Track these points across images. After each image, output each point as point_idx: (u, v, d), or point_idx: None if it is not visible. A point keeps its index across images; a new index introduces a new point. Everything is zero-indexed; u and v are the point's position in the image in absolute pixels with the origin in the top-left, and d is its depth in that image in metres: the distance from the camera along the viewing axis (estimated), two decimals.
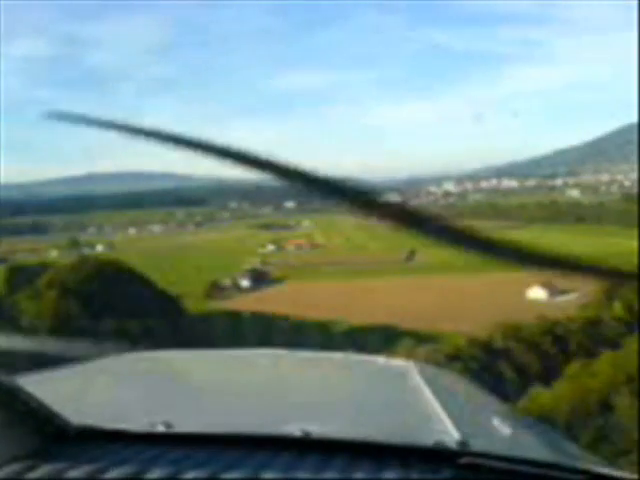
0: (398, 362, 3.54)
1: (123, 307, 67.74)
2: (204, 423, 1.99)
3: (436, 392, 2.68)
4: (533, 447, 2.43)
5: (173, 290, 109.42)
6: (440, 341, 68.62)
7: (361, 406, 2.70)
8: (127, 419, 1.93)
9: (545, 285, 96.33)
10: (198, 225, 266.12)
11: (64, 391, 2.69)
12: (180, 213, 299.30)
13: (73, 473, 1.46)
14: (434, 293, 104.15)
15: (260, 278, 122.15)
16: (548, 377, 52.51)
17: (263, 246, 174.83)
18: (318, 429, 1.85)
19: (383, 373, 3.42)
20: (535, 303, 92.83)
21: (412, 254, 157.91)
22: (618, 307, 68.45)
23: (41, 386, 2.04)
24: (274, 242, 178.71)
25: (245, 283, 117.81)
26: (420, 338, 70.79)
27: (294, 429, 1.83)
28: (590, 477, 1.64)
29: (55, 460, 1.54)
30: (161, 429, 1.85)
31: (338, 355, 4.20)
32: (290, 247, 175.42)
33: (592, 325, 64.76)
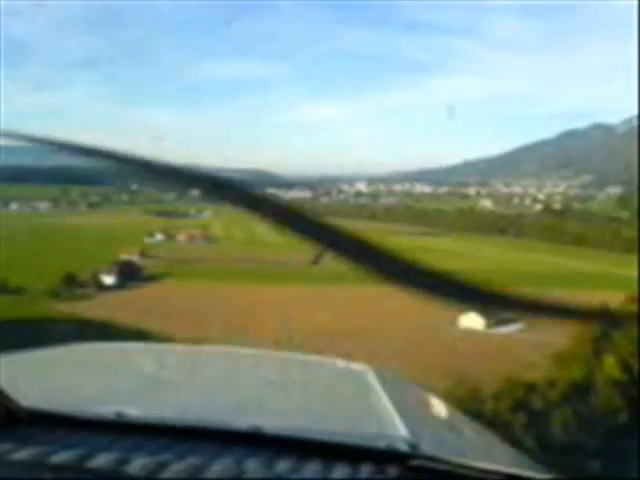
0: (355, 365, 3.35)
1: None
2: (156, 414, 1.96)
3: (391, 396, 2.63)
4: (482, 454, 2.43)
5: (14, 283, 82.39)
6: None
7: (314, 406, 2.67)
8: (79, 406, 1.89)
9: (482, 311, 73.56)
10: (92, 206, 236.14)
11: (16, 375, 2.55)
12: (75, 192, 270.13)
13: (19, 455, 1.42)
14: (342, 310, 79.75)
15: (130, 274, 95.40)
16: None
17: (151, 234, 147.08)
18: (269, 426, 1.82)
19: (339, 375, 3.32)
20: (470, 333, 69.83)
21: (319, 256, 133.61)
22: (611, 363, 45.10)
23: None
24: (164, 231, 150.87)
25: (109, 280, 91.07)
26: None
27: (245, 424, 1.81)
28: None
29: (1, 441, 1.50)
30: (112, 417, 1.82)
31: (296, 355, 4.14)
32: (181, 238, 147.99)
33: (579, 392, 41.23)
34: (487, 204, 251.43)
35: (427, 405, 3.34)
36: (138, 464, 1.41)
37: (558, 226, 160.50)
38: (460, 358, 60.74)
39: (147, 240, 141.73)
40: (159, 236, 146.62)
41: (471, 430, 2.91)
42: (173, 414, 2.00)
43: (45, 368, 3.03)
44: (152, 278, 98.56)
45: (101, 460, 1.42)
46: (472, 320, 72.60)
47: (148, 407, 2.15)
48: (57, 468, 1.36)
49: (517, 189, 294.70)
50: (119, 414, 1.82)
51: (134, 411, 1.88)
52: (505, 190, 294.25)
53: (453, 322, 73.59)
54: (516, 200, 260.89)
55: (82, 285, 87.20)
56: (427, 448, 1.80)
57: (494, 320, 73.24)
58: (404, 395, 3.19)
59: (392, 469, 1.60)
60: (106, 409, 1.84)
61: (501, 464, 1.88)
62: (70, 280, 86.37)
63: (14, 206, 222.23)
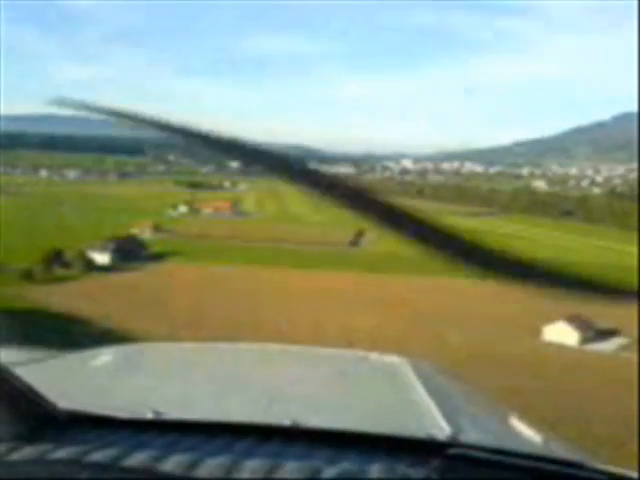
0: (390, 357, 3.39)
1: None
2: (193, 413, 1.98)
3: (428, 387, 2.69)
4: (522, 441, 2.45)
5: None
6: None
7: (352, 400, 2.68)
8: (117, 407, 1.89)
9: (575, 321, 53.34)
10: (123, 175, 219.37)
11: (54, 378, 2.66)
12: (110, 161, 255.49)
13: (56, 454, 1.44)
14: (389, 307, 60.41)
15: (130, 252, 77.37)
16: None
17: (173, 207, 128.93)
18: (307, 420, 1.84)
19: (375, 368, 3.31)
20: (558, 351, 49.96)
21: (359, 236, 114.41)
22: None
23: (32, 371, 2.10)
24: (188, 203, 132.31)
25: (102, 258, 72.99)
26: None
27: (282, 419, 1.83)
28: (578, 468, 1.62)
29: (39, 442, 1.52)
30: (149, 416, 1.84)
31: (331, 350, 4.18)
32: (207, 211, 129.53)
33: None
34: (541, 185, 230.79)
35: (464, 395, 3.29)
36: (173, 461, 1.43)
37: (628, 212, 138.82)
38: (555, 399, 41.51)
39: (169, 213, 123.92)
40: (182, 208, 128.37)
41: (510, 419, 2.81)
42: (209, 412, 2.03)
43: (82, 370, 3.02)
44: (156, 257, 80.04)
45: (137, 458, 1.44)
46: (561, 332, 52.70)
47: (185, 406, 2.19)
48: (94, 466, 1.39)
49: (573, 171, 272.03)
50: (156, 413, 1.84)
51: (171, 410, 1.89)
52: (560, 171, 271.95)
53: (535, 331, 53.83)
54: (572, 182, 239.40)
55: (68, 264, 69.30)
56: (466, 437, 1.80)
57: (591, 332, 53.39)
58: (440, 385, 3.15)
59: (432, 458, 1.59)
60: (143, 409, 1.86)
61: (542, 452, 1.87)
62: (56, 258, 68.53)
63: (44, 173, 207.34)
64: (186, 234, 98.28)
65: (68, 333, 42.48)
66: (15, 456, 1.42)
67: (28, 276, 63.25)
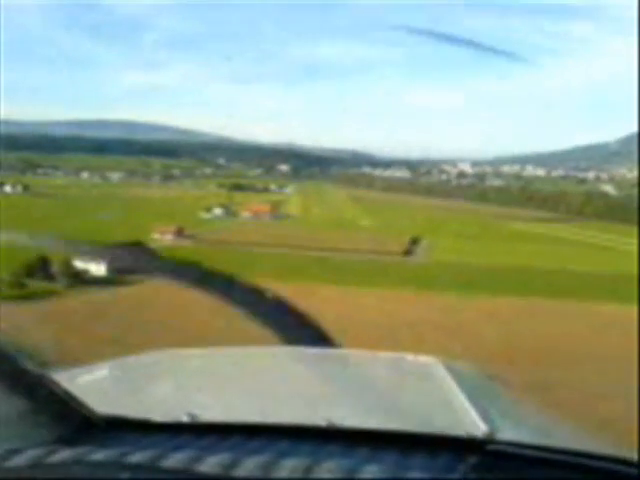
0: (424, 358, 3.35)
1: None
2: (229, 415, 2.01)
3: (463, 387, 2.65)
4: (559, 438, 2.47)
5: None
6: None
7: (387, 399, 2.69)
8: (153, 411, 1.92)
9: None
10: (166, 178, 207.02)
11: (92, 384, 2.72)
12: (156, 164, 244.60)
13: (94, 457, 1.44)
14: (449, 345, 43.58)
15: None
16: None
17: (207, 209, 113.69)
18: (344, 421, 1.83)
19: (409, 369, 3.32)
20: None
21: (415, 243, 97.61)
22: None
23: (70, 378, 2.13)
24: (224, 205, 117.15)
25: (97, 269, 57.52)
26: None
27: (318, 419, 1.81)
28: (617, 463, 1.57)
29: (77, 445, 1.52)
30: (185, 419, 1.85)
31: (364, 352, 4.14)
32: (245, 214, 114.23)
33: None
34: (609, 189, 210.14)
35: (500, 394, 3.28)
36: (212, 462, 1.42)
37: None
38: None
39: (203, 216, 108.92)
40: (217, 211, 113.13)
41: (545, 417, 2.82)
42: (245, 414, 2.03)
43: (119, 377, 3.03)
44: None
45: (175, 459, 1.43)
46: None
47: (221, 409, 2.19)
48: (134, 467, 1.38)
49: None
50: (191, 417, 1.83)
51: (207, 413, 1.89)
52: (630, 175, 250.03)
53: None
54: None
55: (52, 277, 54.49)
56: (503, 434, 1.80)
57: None
58: (475, 385, 3.08)
59: (470, 456, 1.55)
60: (179, 412, 1.86)
61: (581, 448, 1.91)
62: (33, 268, 53.72)
63: (84, 174, 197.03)
64: (211, 240, 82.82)
65: None
66: (55, 458, 1.41)
67: None
